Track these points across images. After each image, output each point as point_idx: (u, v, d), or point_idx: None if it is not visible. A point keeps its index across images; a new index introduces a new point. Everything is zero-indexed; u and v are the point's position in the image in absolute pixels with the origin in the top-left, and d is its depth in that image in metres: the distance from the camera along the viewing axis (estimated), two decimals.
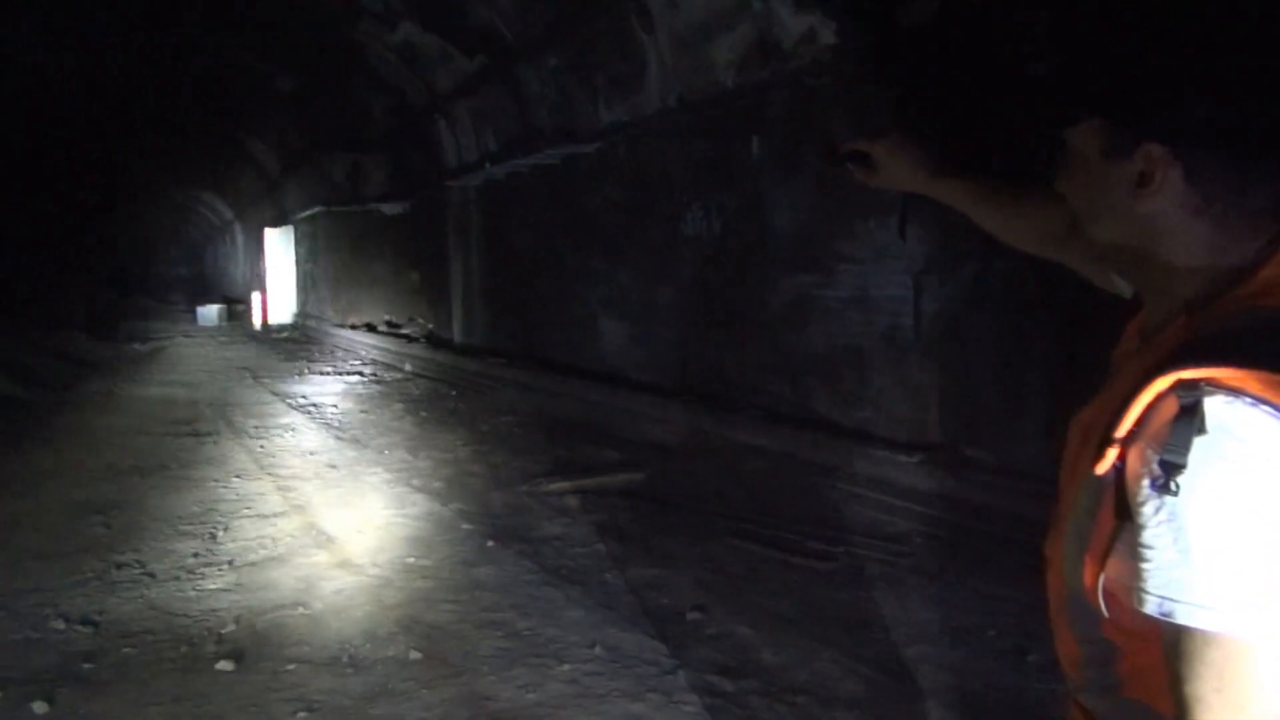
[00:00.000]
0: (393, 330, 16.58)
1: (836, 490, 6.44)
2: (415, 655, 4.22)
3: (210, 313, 26.16)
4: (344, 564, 5.51)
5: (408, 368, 14.18)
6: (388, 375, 13.87)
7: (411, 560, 5.56)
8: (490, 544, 5.83)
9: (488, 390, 11.46)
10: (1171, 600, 0.98)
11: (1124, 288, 1.37)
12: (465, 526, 6.24)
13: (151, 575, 5.37)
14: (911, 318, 6.19)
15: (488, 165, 11.96)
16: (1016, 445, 5.53)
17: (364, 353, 16.53)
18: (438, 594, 5.02)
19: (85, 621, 4.70)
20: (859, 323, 6.62)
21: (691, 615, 4.68)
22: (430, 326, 14.87)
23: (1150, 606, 0.99)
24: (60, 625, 4.66)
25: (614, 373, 9.70)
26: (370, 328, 17.63)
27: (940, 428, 6.05)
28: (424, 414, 10.55)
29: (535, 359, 11.36)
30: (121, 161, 26.27)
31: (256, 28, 13.87)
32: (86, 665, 4.20)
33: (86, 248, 33.28)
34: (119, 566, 5.52)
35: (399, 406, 11.10)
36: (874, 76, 6.13)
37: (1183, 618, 0.97)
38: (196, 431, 9.72)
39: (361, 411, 10.89)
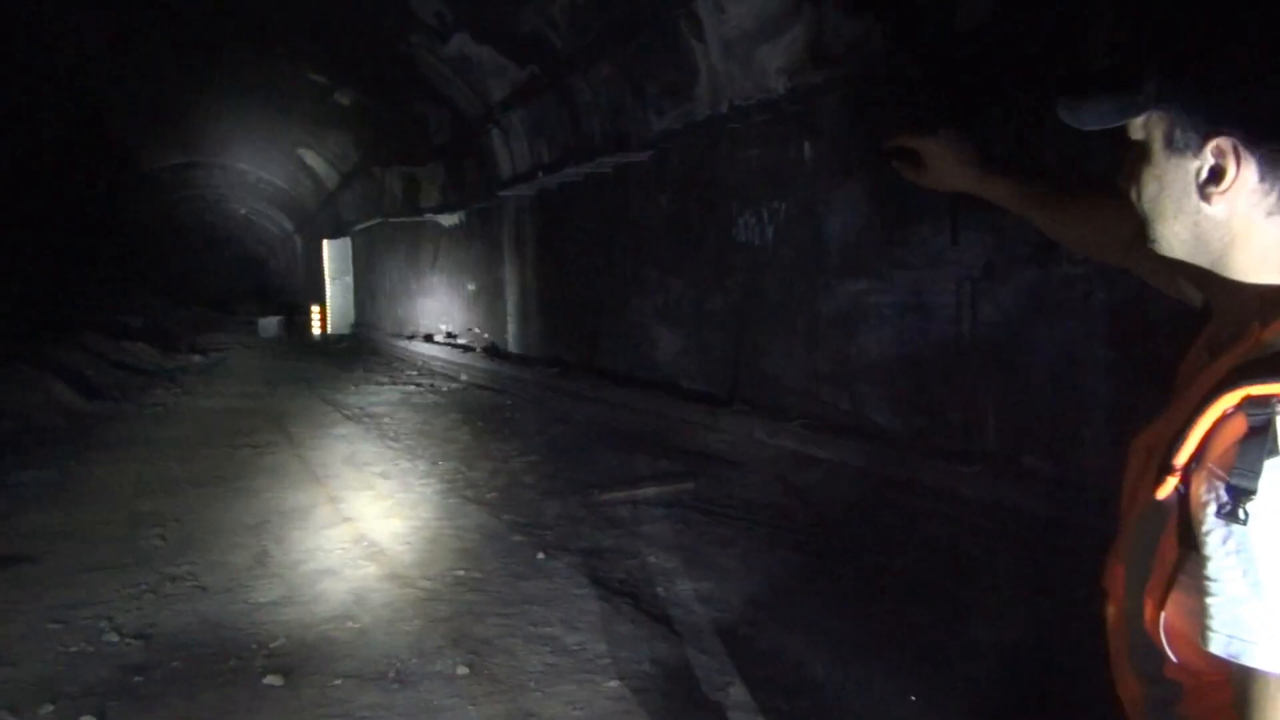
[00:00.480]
0: (449, 340, 16.65)
1: (892, 500, 6.31)
2: (462, 670, 4.18)
3: (270, 324, 26.47)
4: (394, 576, 5.50)
5: (463, 378, 14.23)
6: (443, 385, 13.93)
7: (461, 572, 5.53)
8: (540, 556, 5.79)
9: (542, 400, 11.45)
10: (1241, 640, 0.90)
11: (1194, 296, 1.25)
12: (516, 538, 6.21)
13: (204, 588, 5.39)
14: (968, 324, 6.05)
15: (541, 175, 11.96)
16: (1077, 456, 5.38)
17: (420, 363, 16.63)
18: (487, 607, 4.98)
19: (138, 635, 4.72)
20: (914, 329, 6.49)
21: (743, 630, 4.60)
22: (486, 336, 14.90)
23: (1217, 646, 0.91)
24: (114, 638, 4.68)
25: (668, 381, 9.63)
26: (426, 338, 17.72)
27: (998, 437, 5.90)
28: (479, 424, 10.56)
29: (590, 368, 11.33)
30: (187, 174, 26.72)
31: (317, 43, 14.03)
32: (137, 679, 4.21)
33: (149, 259, 33.82)
34: (173, 579, 5.55)
35: (454, 416, 11.13)
36: (928, 80, 6.02)
37: (1253, 659, 0.89)
38: (253, 443, 9.80)
39: (416, 422, 10.93)
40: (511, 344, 13.94)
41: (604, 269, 10.87)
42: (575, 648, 4.42)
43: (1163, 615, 1.01)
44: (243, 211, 36.15)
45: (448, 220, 16.13)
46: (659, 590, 5.19)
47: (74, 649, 4.57)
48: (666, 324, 9.64)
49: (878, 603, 4.90)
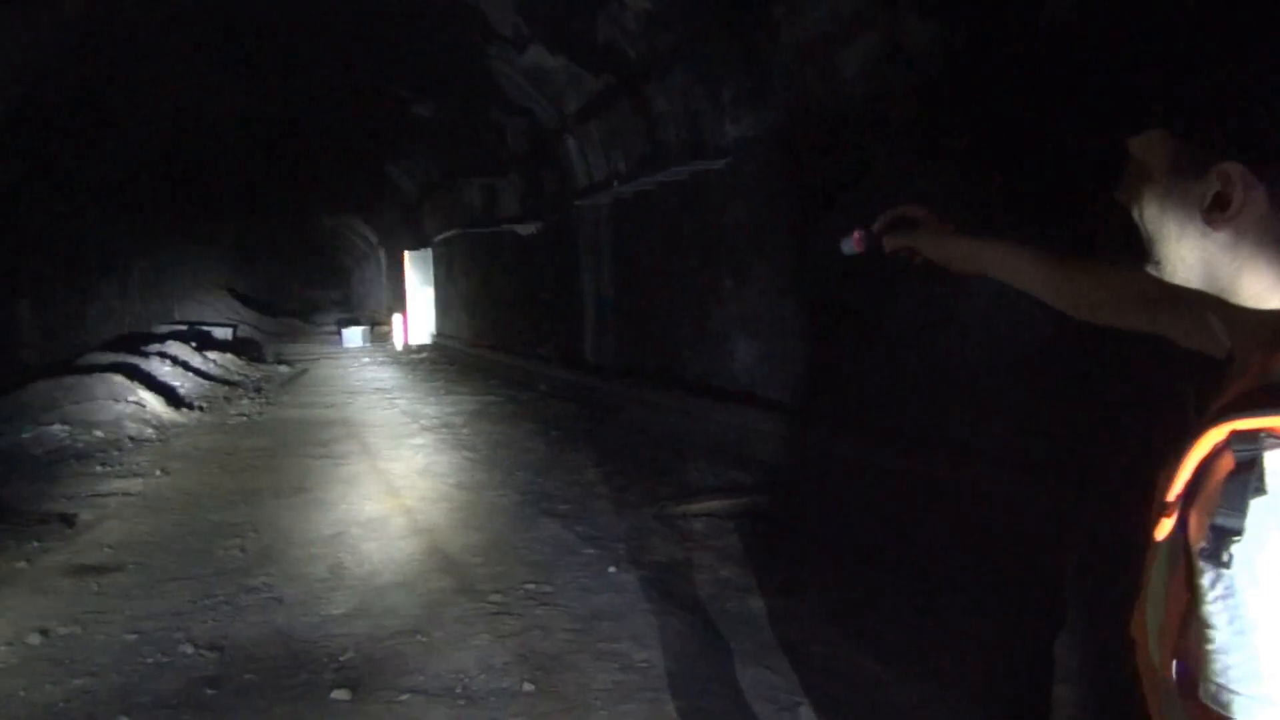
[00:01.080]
0: (526, 349, 16.72)
1: (971, 514, 6.14)
2: (529, 687, 4.15)
3: (355, 334, 26.88)
4: (465, 589, 5.49)
5: (541, 387, 14.27)
6: (520, 395, 13.98)
7: (532, 586, 5.50)
8: (612, 569, 5.74)
9: (618, 410, 11.42)
10: (1229, 690, 0.84)
11: (1219, 344, 1.14)
12: (588, 551, 6.17)
13: (279, 599, 5.44)
14: (1051, 328, 5.87)
15: (616, 184, 11.95)
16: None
17: (498, 372, 16.72)
18: (556, 622, 4.94)
19: (212, 646, 4.77)
20: (994, 335, 6.32)
21: (815, 649, 4.50)
22: (563, 345, 14.93)
23: (1206, 695, 0.87)
24: (189, 649, 4.73)
25: (743, 391, 9.54)
26: (504, 347, 17.82)
27: (1083, 449, 5.71)
28: (554, 434, 10.57)
29: (666, 377, 11.28)
30: (276, 187, 27.26)
31: (398, 58, 14.21)
32: (210, 691, 4.25)
33: (237, 269, 34.57)
34: (250, 590, 5.61)
35: (530, 427, 11.15)
36: (1008, 82, 5.86)
37: (1240, 712, 0.84)
38: (332, 453, 9.92)
39: (493, 432, 10.97)
40: (588, 353, 13.95)
41: (680, 277, 10.81)
42: (643, 665, 4.36)
43: (1174, 663, 0.95)
44: (329, 224, 36.79)
45: (525, 230, 16.20)
46: (730, 606, 5.11)
47: (150, 659, 4.63)
48: (743, 333, 9.54)
49: (957, 619, 4.76)
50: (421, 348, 23.85)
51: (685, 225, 10.62)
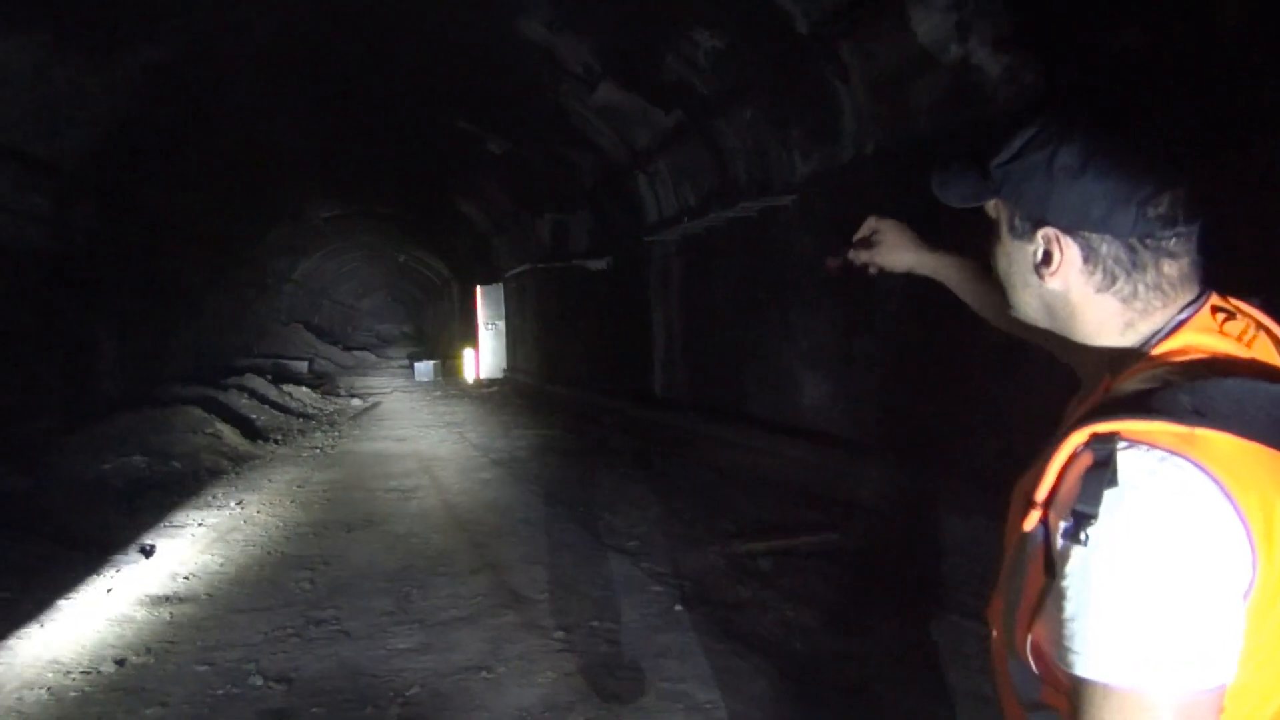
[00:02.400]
0: (595, 384, 16.76)
1: None
2: None
3: (426, 368, 27.17)
4: (530, 625, 5.48)
5: (608, 422, 14.28)
6: (589, 429, 13.99)
7: (597, 623, 5.48)
8: (678, 608, 5.70)
9: (686, 445, 11.37)
10: (1073, 651, 0.98)
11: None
12: (654, 588, 6.14)
13: (346, 633, 5.48)
14: None
15: (686, 219, 11.97)
16: None
17: (567, 406, 16.77)
18: (620, 660, 4.91)
19: (281, 679, 4.81)
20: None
21: (882, 691, 4.41)
22: (631, 380, 14.95)
23: (1058, 657, 1.01)
24: (258, 681, 4.78)
25: (813, 428, 9.45)
26: (574, 382, 17.89)
27: None
28: (621, 469, 10.56)
29: (735, 413, 11.22)
30: (348, 222, 27.77)
31: (469, 95, 14.42)
32: None
33: (311, 304, 35.18)
34: (318, 623, 5.66)
35: (597, 461, 11.16)
36: (1080, 114, 5.77)
37: (1081, 668, 0.98)
38: (402, 487, 10.01)
39: (560, 466, 11.00)
40: (658, 388, 13.94)
41: (748, 313, 10.78)
42: (708, 706, 4.32)
43: (1029, 639, 1.09)
44: (401, 259, 37.32)
45: (595, 265, 16.29)
46: (797, 646, 5.05)
47: (220, 691, 4.69)
48: (812, 369, 9.47)
49: None
50: (492, 381, 24.03)
51: (754, 261, 10.60)
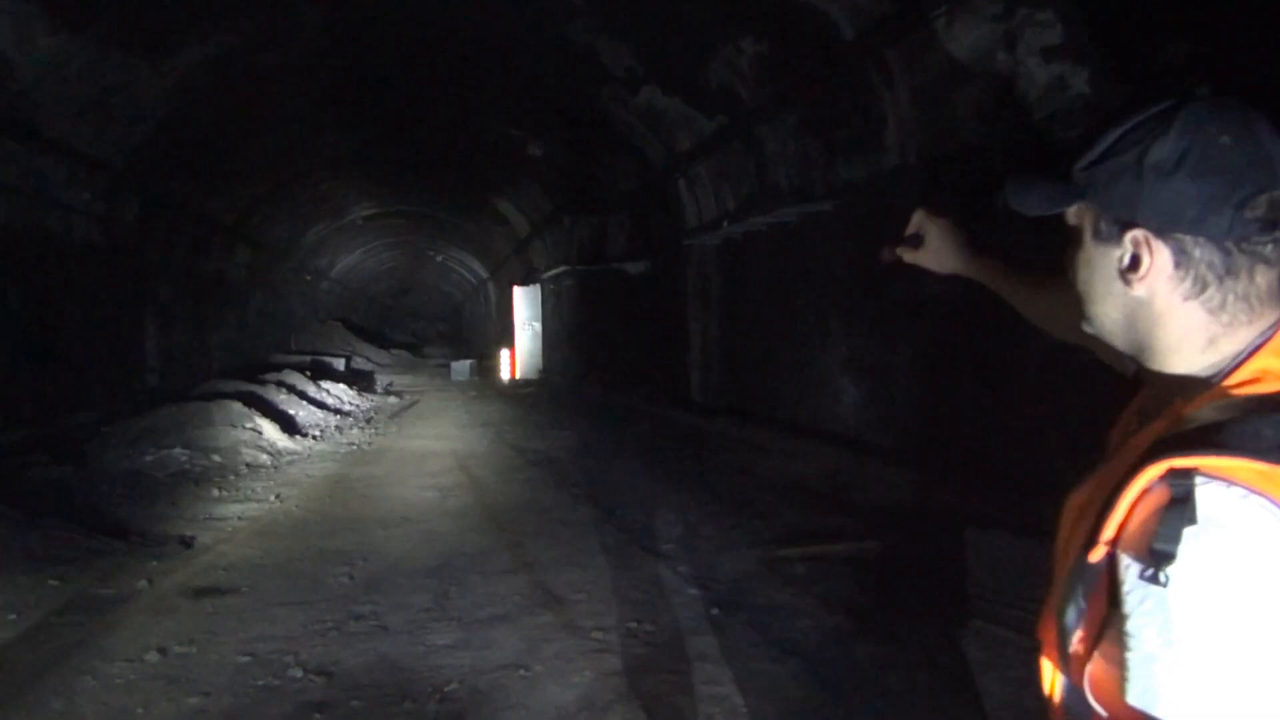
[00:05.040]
0: (632, 386, 16.80)
1: None
2: None
3: (463, 367, 27.30)
4: (567, 625, 5.51)
5: (645, 425, 14.30)
6: (625, 432, 14.01)
7: (634, 624, 5.50)
8: (714, 611, 5.71)
9: (722, 450, 11.38)
10: (1151, 693, 0.96)
11: (1127, 366, 1.38)
12: (691, 591, 6.14)
13: (385, 628, 5.53)
14: None
15: (725, 224, 11.99)
16: None
17: (603, 408, 16.80)
18: (657, 662, 4.93)
19: (321, 671, 4.86)
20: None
21: (919, 700, 4.41)
22: (668, 383, 14.97)
23: (1133, 697, 0.98)
24: (298, 674, 4.83)
25: (850, 435, 9.43)
26: (610, 384, 17.93)
27: None
28: (658, 472, 10.57)
29: (772, 419, 11.22)
30: (386, 221, 27.97)
31: (511, 98, 14.51)
32: (317, 716, 4.33)
33: (349, 302, 35.42)
34: (357, 617, 5.71)
35: (634, 464, 11.17)
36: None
37: (1161, 711, 0.95)
38: (439, 485, 10.07)
39: (597, 468, 11.02)
40: (695, 392, 13.96)
41: (786, 319, 10.78)
42: (744, 710, 4.33)
43: (1088, 669, 1.07)
44: (439, 258, 37.55)
45: (633, 269, 16.33)
46: (833, 653, 5.04)
47: (261, 682, 4.74)
48: (849, 376, 9.46)
49: None
50: (528, 382, 24.11)
51: (793, 266, 10.60)
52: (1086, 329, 1.25)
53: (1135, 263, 1.12)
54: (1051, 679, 1.21)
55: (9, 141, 9.68)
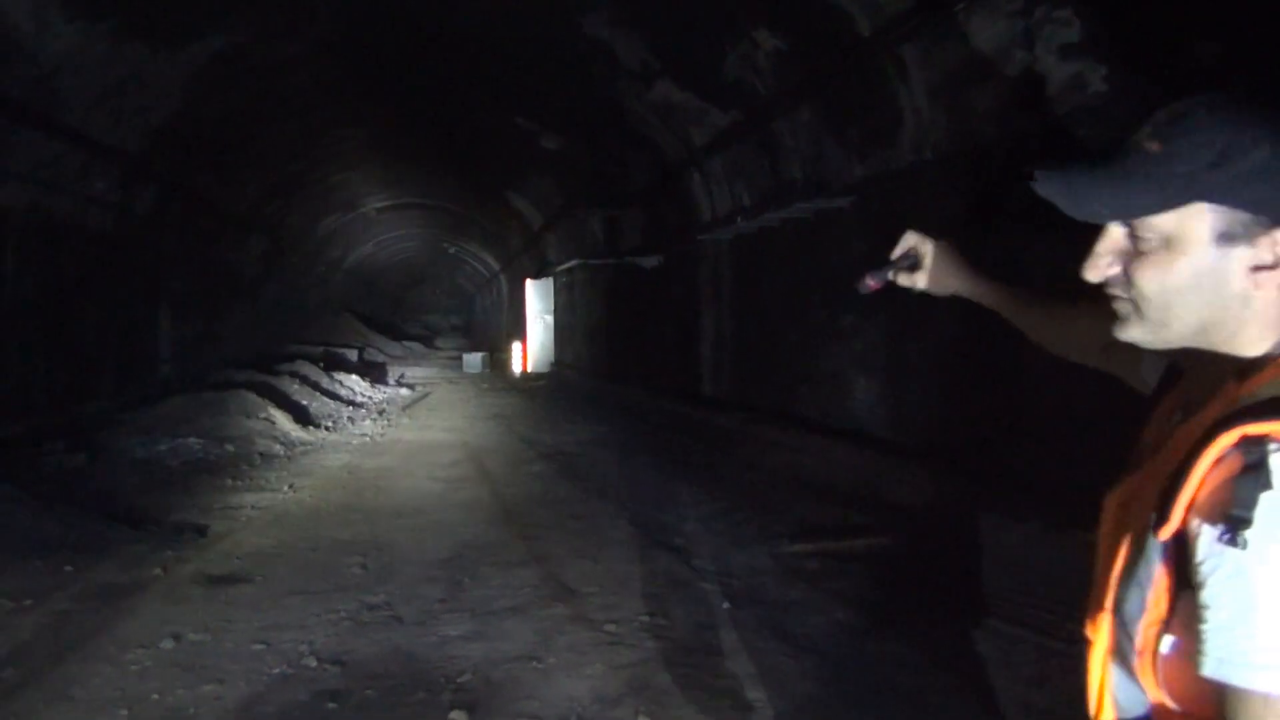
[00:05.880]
0: (644, 380, 16.80)
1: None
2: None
3: (475, 360, 27.34)
4: (580, 618, 5.52)
5: (656, 420, 14.30)
6: (637, 426, 14.03)
7: (646, 618, 5.51)
8: (726, 605, 5.72)
9: (735, 445, 11.38)
10: (1230, 662, 0.96)
11: (1149, 384, 1.41)
12: (704, 586, 6.16)
13: (399, 618, 5.55)
14: None
15: (739, 219, 11.96)
16: None
17: (615, 402, 16.82)
18: (670, 655, 4.94)
19: (335, 660, 4.88)
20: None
21: (933, 699, 4.41)
22: (680, 378, 14.96)
23: (1209, 668, 0.98)
24: (312, 663, 4.86)
25: (862, 431, 9.42)
26: (622, 378, 17.93)
27: None
28: (670, 467, 10.58)
29: (784, 415, 11.21)
30: (398, 213, 27.99)
31: (525, 91, 14.50)
32: (331, 705, 4.35)
33: (362, 293, 35.49)
34: (371, 607, 5.74)
35: (646, 458, 11.19)
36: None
37: (1241, 679, 0.95)
38: (452, 476, 10.10)
39: (609, 462, 11.04)
40: (706, 387, 13.95)
41: (799, 315, 10.77)
42: (757, 704, 4.33)
43: (1159, 656, 1.08)
44: (451, 250, 37.58)
45: (646, 263, 16.32)
46: (845, 649, 5.05)
47: (276, 670, 4.77)
48: (861, 372, 9.45)
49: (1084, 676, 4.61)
50: (540, 375, 24.13)
51: (807, 262, 10.58)
52: (1133, 335, 1.20)
53: (1270, 261, 1.09)
54: (1101, 678, 1.21)
55: (26, 129, 9.70)
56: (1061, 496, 6.64)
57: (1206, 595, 0.98)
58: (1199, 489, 1.01)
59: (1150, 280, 1.15)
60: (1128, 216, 1.15)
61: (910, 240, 1.84)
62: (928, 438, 8.33)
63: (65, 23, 8.95)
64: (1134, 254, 1.17)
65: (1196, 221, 1.11)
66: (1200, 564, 0.99)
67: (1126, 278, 1.18)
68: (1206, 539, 0.99)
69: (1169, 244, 1.13)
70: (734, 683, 4.58)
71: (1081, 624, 1.27)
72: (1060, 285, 1.65)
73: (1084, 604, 1.26)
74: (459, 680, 4.62)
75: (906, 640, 5.12)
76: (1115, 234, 1.19)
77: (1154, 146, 1.11)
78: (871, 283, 1.85)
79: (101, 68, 10.12)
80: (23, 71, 9.11)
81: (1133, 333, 1.20)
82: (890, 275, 1.84)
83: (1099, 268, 1.21)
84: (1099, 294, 1.25)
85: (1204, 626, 0.98)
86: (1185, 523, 1.02)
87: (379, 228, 30.56)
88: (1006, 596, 5.65)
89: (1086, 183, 1.17)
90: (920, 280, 1.83)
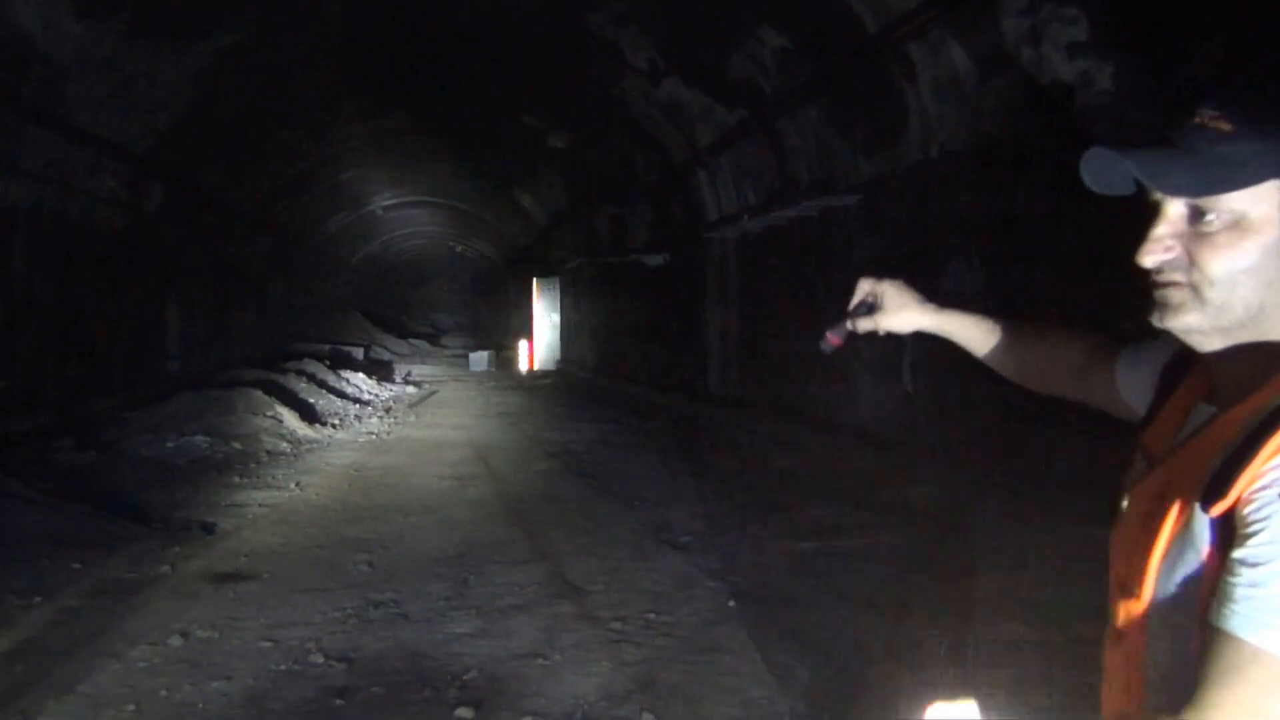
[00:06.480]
0: (650, 379, 16.81)
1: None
2: (648, 717, 4.16)
3: (481, 358, 27.36)
4: (585, 615, 5.54)
5: (662, 417, 14.31)
6: (643, 424, 14.04)
7: (652, 615, 5.52)
8: (732, 603, 5.72)
9: (742, 443, 11.38)
10: (1253, 619, 0.97)
11: (1137, 412, 1.42)
12: (710, 583, 6.16)
13: (405, 615, 5.56)
14: None
15: (746, 217, 11.97)
16: None
17: (622, 400, 16.83)
18: (675, 653, 4.95)
19: (342, 658, 4.89)
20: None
21: (938, 697, 4.40)
22: (687, 376, 14.98)
23: (1219, 618, 1.00)
24: (319, 660, 4.87)
25: (868, 429, 9.43)
26: (629, 376, 17.94)
27: None
28: (676, 465, 10.59)
29: (790, 413, 11.22)
30: (405, 209, 28.02)
31: (532, 90, 14.52)
32: (338, 702, 4.36)
33: (369, 291, 35.51)
34: (377, 605, 5.75)
35: (652, 457, 11.20)
36: (1156, 123, 5.71)
37: (1259, 638, 0.96)
38: (457, 474, 10.11)
39: (614, 460, 11.05)
40: (713, 385, 13.96)
41: (806, 312, 10.77)
42: (762, 701, 4.34)
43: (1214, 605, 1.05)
44: (458, 248, 37.60)
45: (652, 261, 16.33)
46: (852, 646, 5.05)
47: (282, 667, 4.78)
48: (869, 371, 9.45)
49: (1095, 676, 4.61)
50: (546, 374, 24.15)
51: (813, 260, 10.59)
52: (1187, 322, 1.17)
53: None
54: (1130, 669, 1.23)
55: (35, 127, 9.74)
56: (1070, 493, 6.64)
57: (1243, 553, 1.00)
58: (1263, 465, 1.02)
59: (1218, 261, 1.12)
60: (1209, 193, 1.12)
61: (865, 287, 1.81)
62: (934, 437, 8.33)
63: (74, 21, 8.98)
64: (1195, 236, 1.14)
65: (1267, 201, 1.10)
66: (1248, 526, 1.01)
67: (1189, 260, 1.15)
68: (1259, 503, 1.01)
69: (1239, 224, 1.12)
70: (740, 680, 4.59)
71: (1104, 617, 1.28)
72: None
73: (1100, 599, 1.26)
74: (465, 677, 4.63)
75: (912, 638, 5.11)
76: (1174, 216, 1.16)
77: (1225, 126, 1.09)
78: (833, 338, 1.84)
79: (110, 66, 10.15)
80: (33, 71, 9.14)
81: (1188, 319, 1.16)
82: (850, 325, 1.81)
83: (1156, 251, 1.17)
84: (1074, 321, 1.27)
85: (1234, 579, 1.00)
86: (1239, 499, 1.03)
87: (386, 226, 30.60)
88: (1016, 596, 5.65)
89: (1163, 159, 1.14)
90: (881, 321, 1.80)
